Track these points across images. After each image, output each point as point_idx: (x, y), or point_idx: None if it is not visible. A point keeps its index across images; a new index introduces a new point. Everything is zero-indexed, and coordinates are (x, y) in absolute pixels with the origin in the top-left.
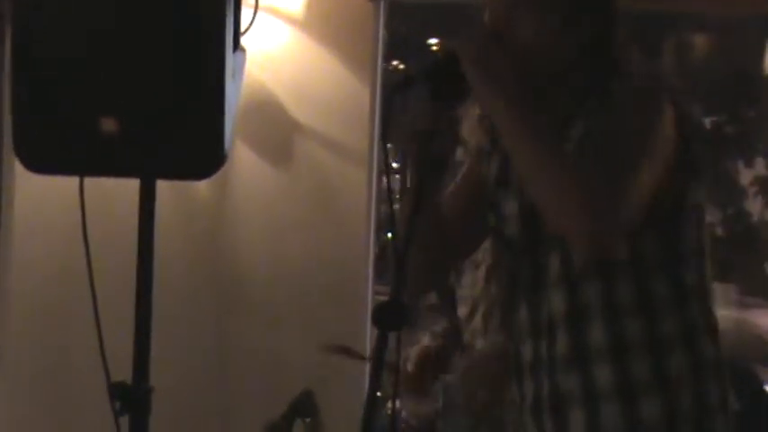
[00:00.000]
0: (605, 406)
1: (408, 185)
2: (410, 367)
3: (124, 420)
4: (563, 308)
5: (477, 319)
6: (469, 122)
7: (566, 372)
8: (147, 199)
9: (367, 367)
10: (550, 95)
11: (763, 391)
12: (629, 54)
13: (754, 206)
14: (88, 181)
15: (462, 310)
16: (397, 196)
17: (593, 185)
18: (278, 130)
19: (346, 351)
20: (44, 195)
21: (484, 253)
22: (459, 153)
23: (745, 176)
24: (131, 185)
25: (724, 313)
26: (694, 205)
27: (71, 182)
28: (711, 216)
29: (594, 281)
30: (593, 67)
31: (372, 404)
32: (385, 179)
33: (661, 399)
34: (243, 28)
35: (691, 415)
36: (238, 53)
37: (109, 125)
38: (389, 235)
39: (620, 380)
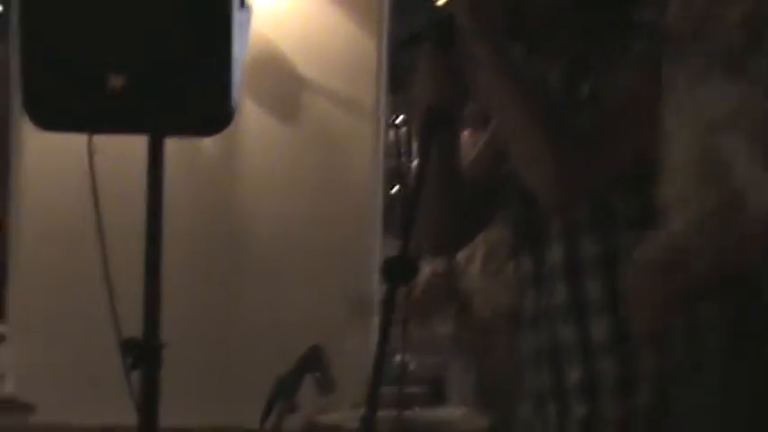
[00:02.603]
0: (600, 359)
1: (415, 139)
2: (417, 293)
3: (135, 376)
4: (563, 259)
5: (476, 263)
6: None
7: (564, 324)
8: (156, 156)
9: (376, 321)
10: (559, 53)
11: None
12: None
13: None
14: (98, 138)
15: (462, 253)
16: (402, 150)
17: (566, 141)
18: (285, 85)
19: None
20: (54, 152)
21: None
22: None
23: None
24: (140, 142)
25: None
26: None
27: (81, 139)
28: None
29: (594, 231)
30: (600, 18)
31: (382, 357)
32: (393, 133)
33: (657, 353)
34: None
35: (681, 369)
36: (245, 9)
37: (117, 82)
38: (395, 189)
39: (616, 334)
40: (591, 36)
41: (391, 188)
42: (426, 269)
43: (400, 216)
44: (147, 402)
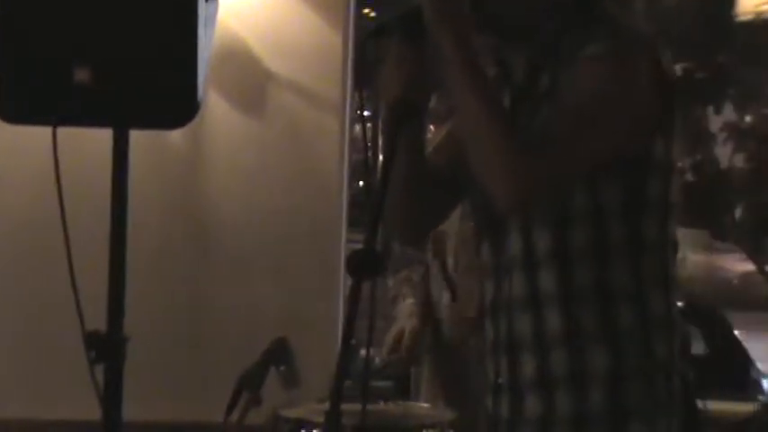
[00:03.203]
0: (554, 353)
1: (381, 132)
2: (385, 351)
3: (99, 369)
4: (520, 252)
5: (449, 258)
6: None
7: (520, 314)
8: (121, 148)
9: (341, 314)
10: (524, 42)
11: (732, 334)
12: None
13: (723, 152)
14: (63, 130)
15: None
16: (369, 143)
17: (519, 153)
18: (250, 78)
19: None
20: (19, 144)
21: None
22: (435, 99)
23: (715, 123)
24: (105, 135)
25: (696, 258)
26: (662, 161)
27: (45, 132)
28: (681, 162)
29: (550, 227)
30: (567, 12)
31: (347, 351)
32: (358, 127)
33: (606, 350)
34: None
35: (635, 369)
36: (210, 2)
37: (83, 75)
38: (362, 183)
39: (568, 328)
40: (554, 29)
41: (358, 182)
42: (393, 329)
43: (367, 209)
44: (111, 396)
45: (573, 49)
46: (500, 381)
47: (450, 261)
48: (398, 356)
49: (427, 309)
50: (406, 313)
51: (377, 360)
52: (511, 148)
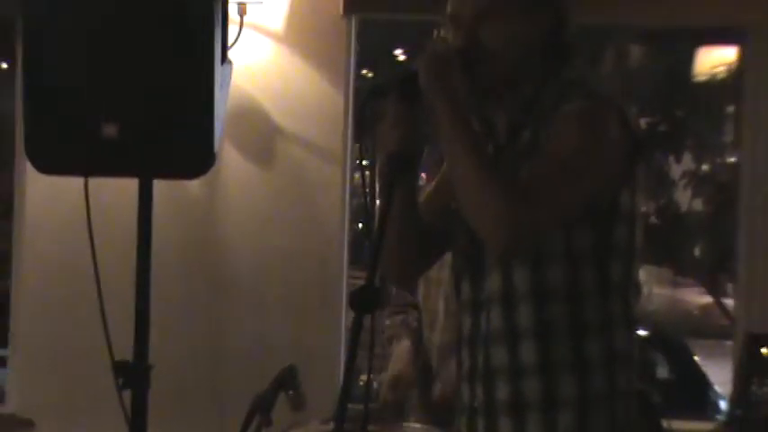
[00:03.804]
0: (528, 380)
1: (378, 182)
2: (383, 394)
3: (126, 395)
4: (499, 289)
5: (438, 302)
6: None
7: (497, 346)
8: (145, 196)
9: (343, 345)
10: (506, 101)
11: (693, 360)
12: (576, 62)
13: (683, 197)
14: (92, 180)
15: (421, 290)
16: (367, 191)
17: (511, 203)
18: (262, 133)
19: None
20: (53, 192)
21: None
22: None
23: (675, 171)
24: (131, 184)
25: (661, 292)
26: (628, 210)
27: (78, 179)
28: (646, 206)
29: (528, 267)
30: (545, 73)
31: (349, 377)
32: (358, 176)
33: (576, 379)
34: (230, 43)
35: (600, 397)
36: (226, 65)
37: (110, 130)
38: (361, 226)
39: (542, 358)
40: (533, 89)
41: (357, 224)
42: (388, 373)
43: (367, 251)
44: (137, 419)
45: (550, 107)
46: (475, 405)
47: (437, 306)
48: (395, 398)
49: (420, 352)
50: (403, 354)
51: (376, 385)
52: (502, 200)
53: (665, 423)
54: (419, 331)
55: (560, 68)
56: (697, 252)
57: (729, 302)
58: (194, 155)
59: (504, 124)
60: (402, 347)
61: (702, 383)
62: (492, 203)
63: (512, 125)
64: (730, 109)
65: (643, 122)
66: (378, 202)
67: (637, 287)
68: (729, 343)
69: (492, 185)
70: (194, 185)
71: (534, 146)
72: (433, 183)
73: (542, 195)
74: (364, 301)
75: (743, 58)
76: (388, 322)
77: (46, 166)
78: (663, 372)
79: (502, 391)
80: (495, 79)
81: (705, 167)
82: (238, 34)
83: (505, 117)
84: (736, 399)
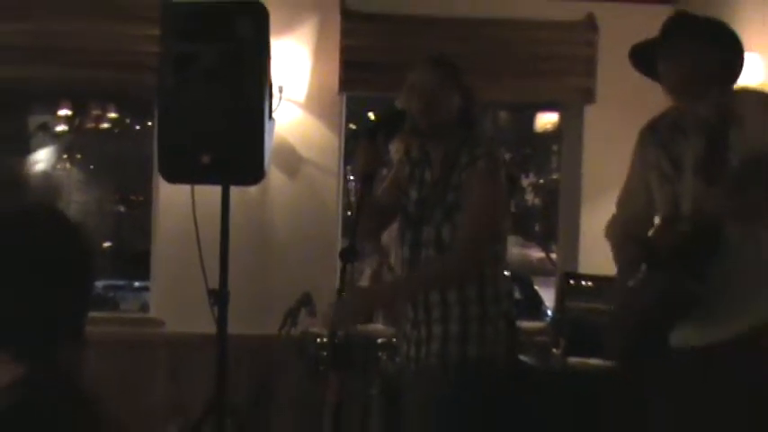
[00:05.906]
0: (452, 304)
1: (356, 187)
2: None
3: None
4: (432, 238)
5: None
6: (395, 146)
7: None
8: (226, 197)
9: (337, 281)
10: (445, 146)
11: (533, 288)
12: (479, 124)
13: (529, 197)
14: (197, 188)
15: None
16: (352, 198)
17: (453, 266)
18: (289, 158)
19: None
20: (179, 197)
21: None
22: (383, 170)
23: (525, 182)
24: (215, 191)
25: (516, 251)
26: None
27: (187, 189)
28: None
29: (451, 227)
30: (463, 127)
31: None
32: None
33: (475, 305)
34: (274, 107)
35: (483, 315)
36: (271, 121)
37: (206, 159)
38: (349, 213)
39: (458, 291)
40: (459, 137)
41: (347, 211)
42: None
43: (349, 227)
44: (221, 319)
45: (468, 156)
46: (419, 318)
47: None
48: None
49: (378, 277)
50: (367, 277)
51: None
52: (449, 270)
53: (518, 324)
54: (379, 268)
55: (473, 123)
56: (537, 228)
57: (554, 256)
58: (253, 171)
59: (439, 158)
60: (367, 273)
61: (538, 301)
62: (449, 278)
63: (445, 162)
64: (555, 147)
65: (508, 156)
66: (354, 199)
67: (504, 249)
68: (553, 278)
69: (440, 277)
70: (253, 189)
71: (460, 185)
72: (387, 181)
73: (473, 238)
74: (348, 255)
75: (562, 119)
76: (366, 264)
77: (170, 177)
78: (517, 295)
79: (435, 310)
80: (434, 128)
81: (541, 180)
82: (279, 102)
83: (442, 153)
84: (556, 309)
